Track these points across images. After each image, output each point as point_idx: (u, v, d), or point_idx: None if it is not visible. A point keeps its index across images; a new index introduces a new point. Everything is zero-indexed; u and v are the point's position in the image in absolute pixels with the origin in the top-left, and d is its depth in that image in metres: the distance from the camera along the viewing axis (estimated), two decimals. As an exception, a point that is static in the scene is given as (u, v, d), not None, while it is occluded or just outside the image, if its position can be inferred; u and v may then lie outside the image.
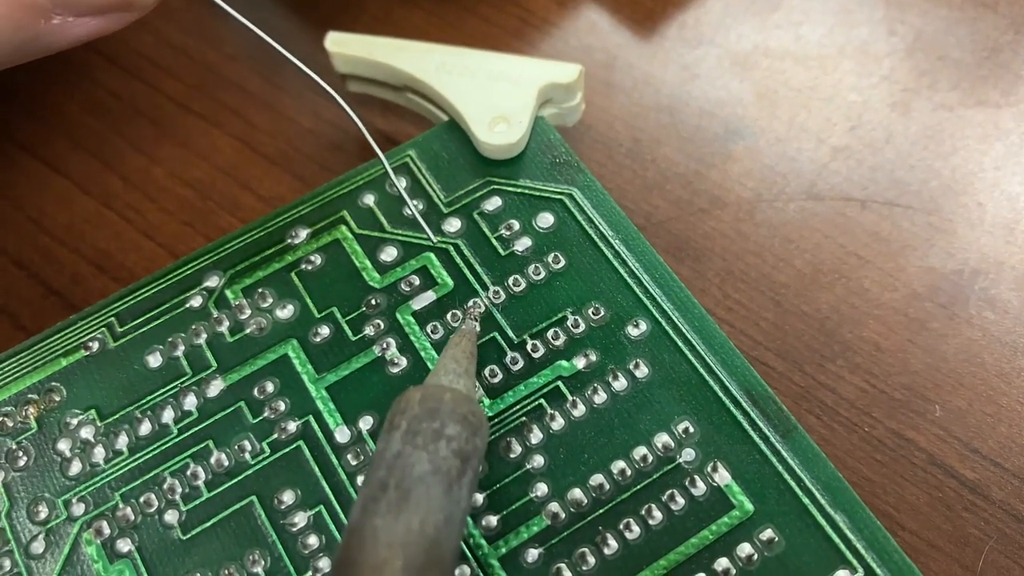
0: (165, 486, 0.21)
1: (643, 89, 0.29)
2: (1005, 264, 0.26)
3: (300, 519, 0.21)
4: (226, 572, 0.20)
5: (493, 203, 0.24)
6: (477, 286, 0.23)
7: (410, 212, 0.24)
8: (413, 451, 0.18)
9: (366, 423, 0.22)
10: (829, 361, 0.25)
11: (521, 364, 0.22)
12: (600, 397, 0.22)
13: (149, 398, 0.22)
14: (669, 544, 0.20)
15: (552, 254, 0.23)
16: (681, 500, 0.20)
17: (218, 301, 0.23)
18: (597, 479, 0.21)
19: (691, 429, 0.21)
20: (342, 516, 0.21)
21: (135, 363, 0.23)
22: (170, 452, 0.22)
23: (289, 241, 0.24)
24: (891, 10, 0.30)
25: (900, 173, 0.27)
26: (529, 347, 0.22)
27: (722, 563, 0.20)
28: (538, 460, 0.21)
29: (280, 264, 0.24)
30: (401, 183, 0.24)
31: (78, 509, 0.21)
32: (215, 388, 0.22)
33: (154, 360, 0.23)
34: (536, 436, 0.21)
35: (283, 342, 0.23)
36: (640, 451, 0.21)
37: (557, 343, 0.22)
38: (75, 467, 0.21)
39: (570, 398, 0.22)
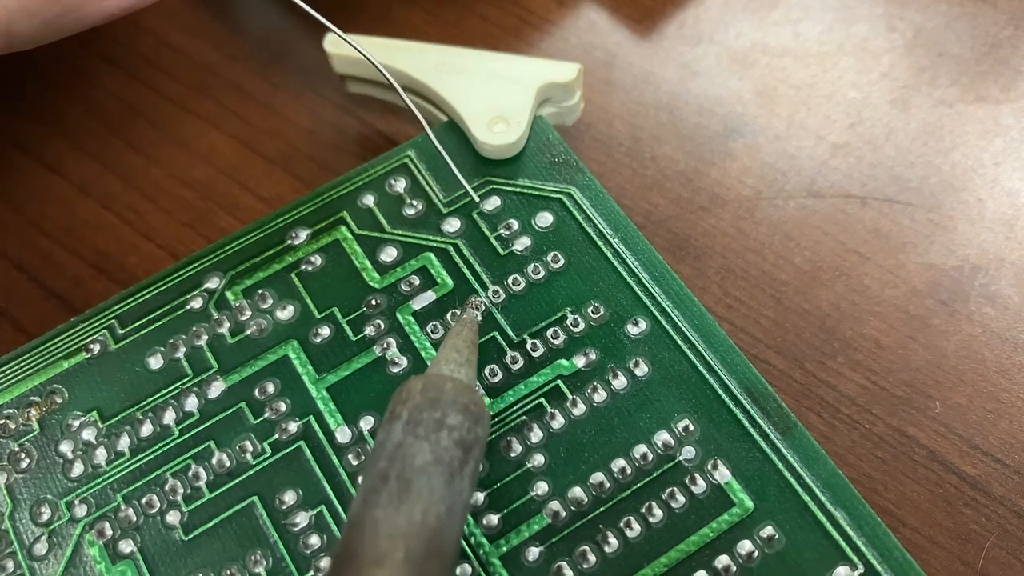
0: (167, 487, 0.21)
1: (642, 87, 0.29)
2: (1005, 260, 0.26)
3: (301, 519, 0.21)
4: (228, 572, 0.20)
5: (492, 203, 0.24)
6: (477, 286, 0.23)
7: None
8: (414, 441, 0.18)
9: (367, 423, 0.22)
10: (830, 358, 0.25)
11: (521, 363, 0.22)
12: (600, 396, 0.22)
13: (150, 399, 0.22)
14: (670, 542, 0.20)
15: (551, 253, 0.23)
16: (681, 498, 0.20)
17: (219, 302, 0.23)
18: (597, 477, 0.21)
19: (691, 427, 0.21)
20: (343, 516, 0.21)
21: (136, 365, 0.23)
22: (172, 453, 0.22)
23: (289, 242, 0.24)
24: (890, 6, 0.30)
25: (900, 170, 0.27)
26: (529, 346, 0.22)
27: (722, 560, 0.20)
28: (538, 459, 0.21)
29: (280, 265, 0.24)
30: (401, 184, 0.25)
31: (80, 510, 0.21)
32: (216, 389, 0.22)
33: (155, 362, 0.23)
34: (536, 435, 0.21)
35: (284, 343, 0.23)
36: (640, 449, 0.21)
37: (557, 342, 0.22)
38: (77, 468, 0.22)
39: (570, 397, 0.22)
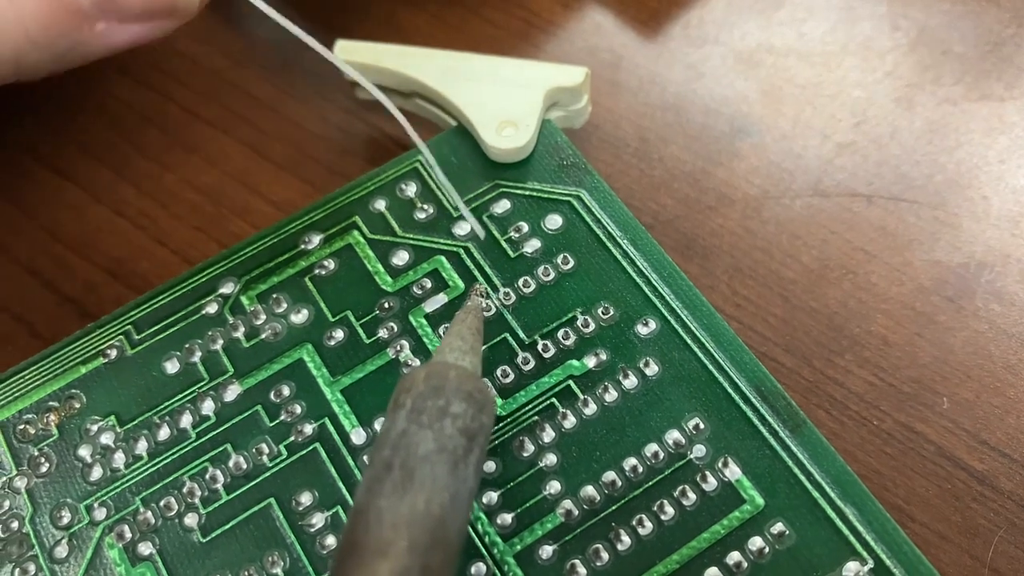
0: (184, 489, 0.21)
1: (649, 89, 0.30)
2: (1011, 256, 0.26)
3: (318, 520, 0.21)
4: (246, 573, 0.21)
5: (502, 206, 0.24)
6: (487, 288, 0.23)
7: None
8: (418, 430, 0.18)
9: (381, 425, 0.22)
10: (838, 356, 0.25)
11: (532, 364, 0.22)
12: (611, 395, 0.22)
13: (167, 403, 0.23)
14: (681, 539, 0.20)
15: (561, 255, 0.24)
16: (692, 495, 0.21)
17: (233, 307, 0.24)
18: (609, 476, 0.21)
19: (701, 425, 0.21)
20: (359, 517, 0.21)
21: (153, 369, 0.23)
22: (189, 456, 0.22)
23: (302, 247, 0.24)
24: (894, 6, 0.31)
25: (905, 168, 0.28)
26: (540, 347, 0.23)
27: (734, 557, 0.20)
28: (551, 458, 0.21)
29: (294, 270, 0.24)
30: (412, 188, 0.25)
31: (100, 513, 0.21)
32: (232, 393, 0.23)
33: (171, 366, 0.23)
34: (548, 435, 0.22)
35: (298, 346, 0.23)
36: (651, 448, 0.21)
37: (567, 343, 0.22)
38: (96, 472, 0.22)
39: (581, 397, 0.22)
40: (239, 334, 0.23)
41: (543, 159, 0.25)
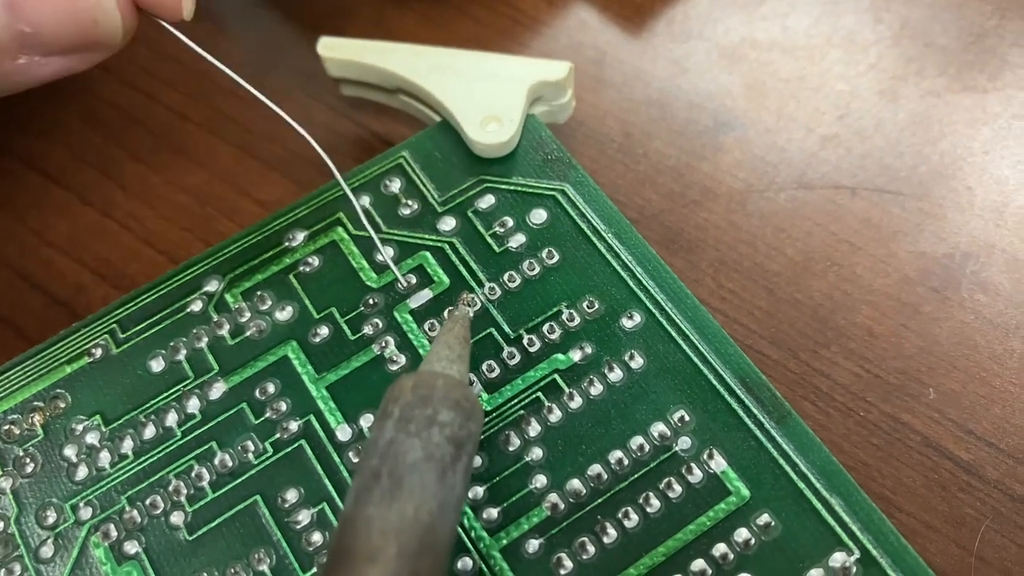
0: (170, 488, 0.21)
1: (633, 84, 0.30)
2: (995, 247, 0.26)
3: (304, 517, 0.21)
4: (232, 571, 0.21)
5: (487, 201, 0.24)
6: (473, 283, 0.23)
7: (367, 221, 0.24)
8: (406, 438, 0.18)
9: (367, 421, 0.22)
10: (823, 347, 0.25)
11: (518, 359, 0.22)
12: (596, 389, 0.22)
13: (153, 402, 0.23)
14: (667, 531, 0.20)
15: (546, 249, 0.24)
16: (678, 488, 0.21)
17: (218, 305, 0.24)
18: (595, 469, 0.21)
19: (687, 417, 0.21)
20: (345, 513, 0.21)
21: (138, 368, 0.23)
22: (175, 454, 0.22)
23: (287, 244, 0.24)
24: (877, -1, 0.31)
25: (889, 160, 0.28)
26: (525, 342, 0.23)
27: (720, 548, 0.20)
28: (537, 452, 0.21)
29: (278, 267, 0.24)
30: (396, 184, 0.25)
31: (85, 513, 0.21)
32: (217, 390, 0.23)
33: (156, 365, 0.23)
34: (534, 429, 0.22)
35: (283, 343, 0.23)
36: (637, 440, 0.21)
37: (553, 337, 0.23)
38: (81, 472, 0.22)
39: (567, 390, 0.22)
40: (224, 332, 0.23)
41: (527, 154, 0.25)
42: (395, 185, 0.25)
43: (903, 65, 0.29)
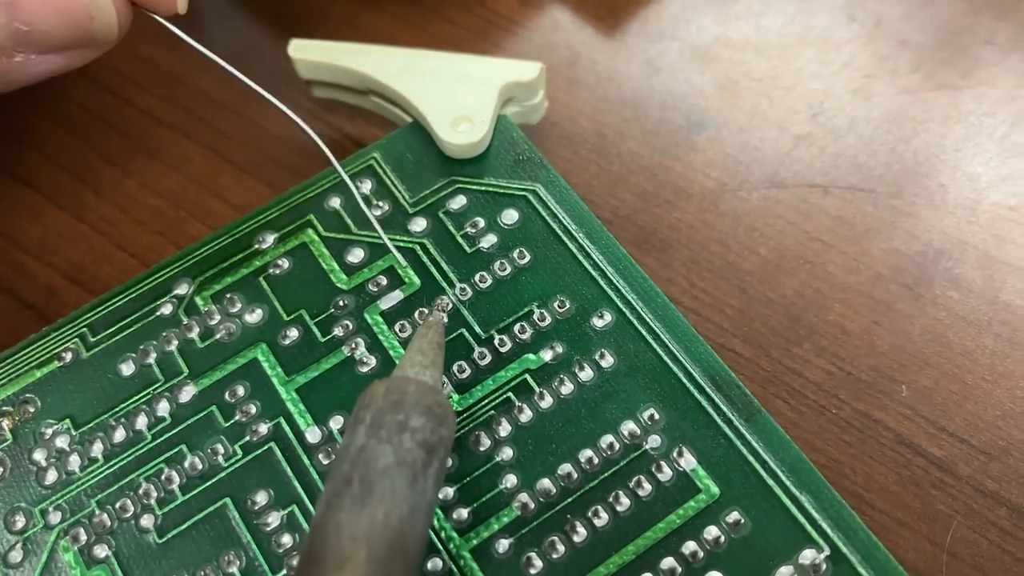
0: (140, 491, 0.21)
1: (606, 84, 0.30)
2: (968, 244, 0.26)
3: (273, 519, 0.21)
4: (202, 573, 0.20)
5: (458, 202, 0.24)
6: (444, 284, 0.23)
7: (371, 213, 0.24)
8: (377, 444, 0.18)
9: (336, 423, 0.22)
10: (795, 345, 0.25)
11: (489, 359, 0.22)
12: (567, 388, 0.22)
13: (123, 405, 0.22)
14: (637, 530, 0.20)
15: (517, 250, 0.24)
16: (648, 486, 0.21)
17: (188, 308, 0.24)
18: (565, 468, 0.21)
19: (656, 416, 0.21)
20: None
21: (108, 372, 0.23)
22: (145, 458, 0.22)
23: (257, 246, 0.24)
24: (850, -3, 0.31)
25: (863, 158, 0.28)
26: (496, 342, 0.23)
27: (690, 546, 0.20)
28: (507, 452, 0.21)
29: (248, 269, 0.24)
30: (367, 185, 0.25)
31: (55, 517, 0.21)
32: (187, 393, 0.22)
33: (127, 368, 0.23)
34: (505, 429, 0.22)
35: (253, 346, 0.23)
36: (607, 439, 0.21)
37: (524, 337, 0.22)
38: (51, 476, 0.22)
39: (537, 390, 0.22)
40: (194, 335, 0.23)
41: (499, 155, 0.25)
42: (366, 186, 0.25)
43: (877, 63, 0.29)
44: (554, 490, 0.21)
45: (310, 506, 0.21)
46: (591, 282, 0.23)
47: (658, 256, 0.27)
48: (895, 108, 0.29)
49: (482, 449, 0.21)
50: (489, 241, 0.24)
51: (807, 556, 0.20)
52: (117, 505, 0.21)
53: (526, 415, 0.22)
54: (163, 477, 0.22)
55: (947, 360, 0.25)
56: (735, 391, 0.21)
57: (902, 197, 0.27)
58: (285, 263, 0.24)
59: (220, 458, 0.22)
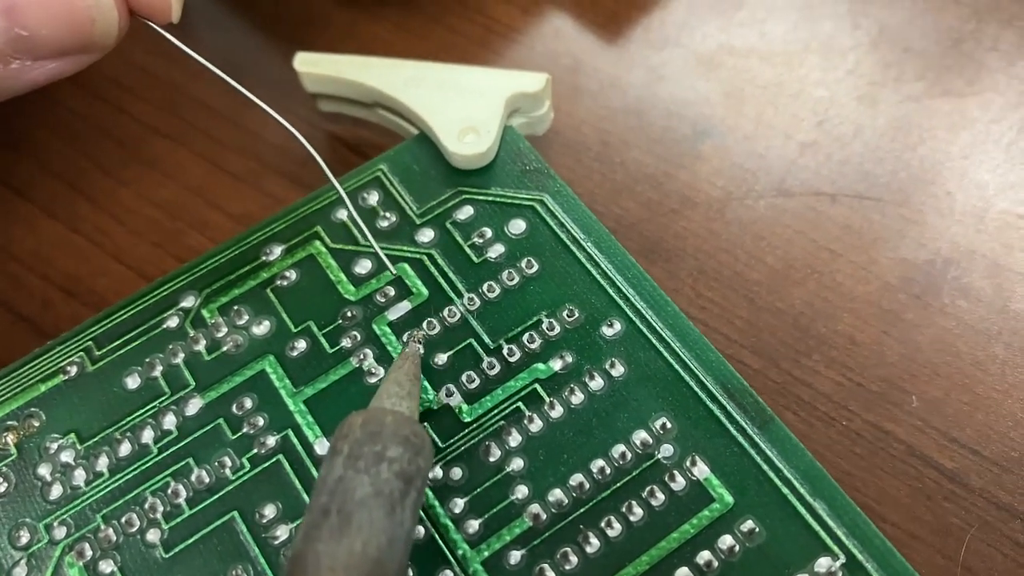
0: (147, 505, 0.21)
1: (610, 92, 0.30)
2: (976, 252, 0.26)
3: (282, 532, 0.21)
4: (210, 588, 0.20)
5: (465, 212, 0.24)
6: (452, 294, 0.23)
7: (363, 224, 0.24)
8: (355, 475, 0.18)
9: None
10: (805, 356, 0.25)
11: (498, 369, 0.22)
12: (577, 397, 0.22)
13: (128, 419, 0.22)
14: (651, 540, 0.20)
15: (525, 259, 0.23)
16: (661, 496, 0.20)
17: (194, 320, 0.23)
18: (577, 478, 0.21)
19: (668, 425, 0.21)
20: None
21: (114, 385, 0.23)
22: (151, 471, 0.22)
23: (264, 258, 0.24)
24: (854, 4, 0.31)
25: (869, 166, 0.28)
26: (505, 352, 0.22)
27: (704, 556, 0.20)
28: (518, 463, 0.21)
29: (255, 281, 0.24)
30: (374, 197, 0.25)
31: (60, 532, 0.21)
32: (194, 406, 0.22)
33: (132, 381, 0.23)
34: (515, 439, 0.21)
35: (260, 358, 0.23)
36: (619, 449, 0.21)
37: (533, 346, 0.22)
38: (56, 491, 0.21)
39: (547, 400, 0.22)
40: (200, 347, 0.23)
41: (505, 165, 0.25)
42: (373, 198, 0.25)
43: (881, 70, 0.29)
44: (566, 501, 0.21)
45: (319, 519, 0.21)
46: (600, 291, 0.23)
47: (664, 266, 0.26)
48: (900, 115, 0.28)
49: (492, 460, 0.21)
50: (497, 251, 0.24)
51: (823, 564, 0.20)
52: (123, 520, 0.21)
53: (536, 425, 0.21)
54: (170, 491, 0.21)
55: (957, 370, 0.25)
56: (747, 399, 0.21)
57: (909, 205, 0.27)
58: (292, 275, 0.24)
59: (228, 471, 0.21)
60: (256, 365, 0.23)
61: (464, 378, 0.22)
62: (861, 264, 0.26)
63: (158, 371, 0.23)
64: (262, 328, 0.23)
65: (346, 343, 0.23)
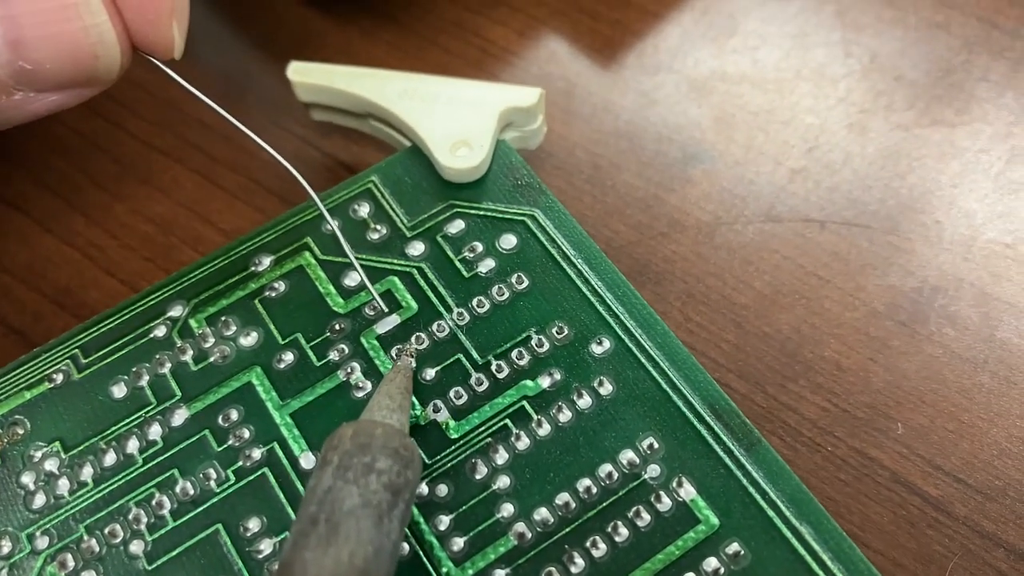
0: (130, 516, 0.21)
1: (602, 116, 0.30)
2: (964, 280, 0.26)
3: (266, 546, 0.21)
4: (193, 600, 0.20)
5: (456, 226, 0.24)
6: (441, 309, 0.23)
7: (344, 240, 0.24)
8: (344, 485, 0.18)
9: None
10: (791, 381, 0.25)
11: (486, 385, 0.22)
12: (565, 415, 0.22)
13: (114, 428, 0.22)
14: (636, 561, 0.20)
15: (515, 275, 0.23)
16: (647, 516, 0.20)
17: (182, 330, 0.23)
18: (563, 497, 0.21)
19: (656, 445, 0.21)
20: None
21: (100, 394, 0.23)
22: (135, 482, 0.22)
23: (252, 269, 0.24)
24: (847, 32, 0.31)
25: (858, 193, 0.28)
26: (494, 368, 0.22)
27: (689, 578, 0.20)
28: (504, 480, 0.21)
29: (244, 292, 0.24)
30: (365, 209, 0.25)
31: (42, 542, 0.21)
32: (180, 417, 0.22)
33: (119, 391, 0.23)
34: (502, 456, 0.21)
35: (247, 369, 0.23)
36: (605, 468, 0.21)
37: (522, 363, 0.22)
38: (39, 500, 0.21)
39: (535, 417, 0.22)
40: (187, 357, 0.23)
41: (498, 179, 0.25)
42: (364, 210, 0.25)
43: (872, 99, 0.29)
44: (552, 520, 0.21)
45: (304, 532, 0.21)
46: (590, 308, 0.23)
47: (653, 289, 0.26)
48: (890, 144, 0.29)
49: (478, 477, 0.21)
50: (487, 266, 0.24)
51: (807, 589, 0.20)
52: (106, 530, 0.21)
53: (523, 443, 0.21)
54: (154, 502, 0.21)
55: (943, 398, 0.25)
56: (735, 420, 0.21)
57: (897, 233, 0.27)
58: (281, 286, 0.24)
59: (212, 483, 0.21)
60: (243, 377, 0.23)
61: (452, 394, 0.22)
62: (848, 291, 0.26)
63: (144, 380, 0.23)
64: (249, 339, 0.23)
65: (334, 356, 0.23)
